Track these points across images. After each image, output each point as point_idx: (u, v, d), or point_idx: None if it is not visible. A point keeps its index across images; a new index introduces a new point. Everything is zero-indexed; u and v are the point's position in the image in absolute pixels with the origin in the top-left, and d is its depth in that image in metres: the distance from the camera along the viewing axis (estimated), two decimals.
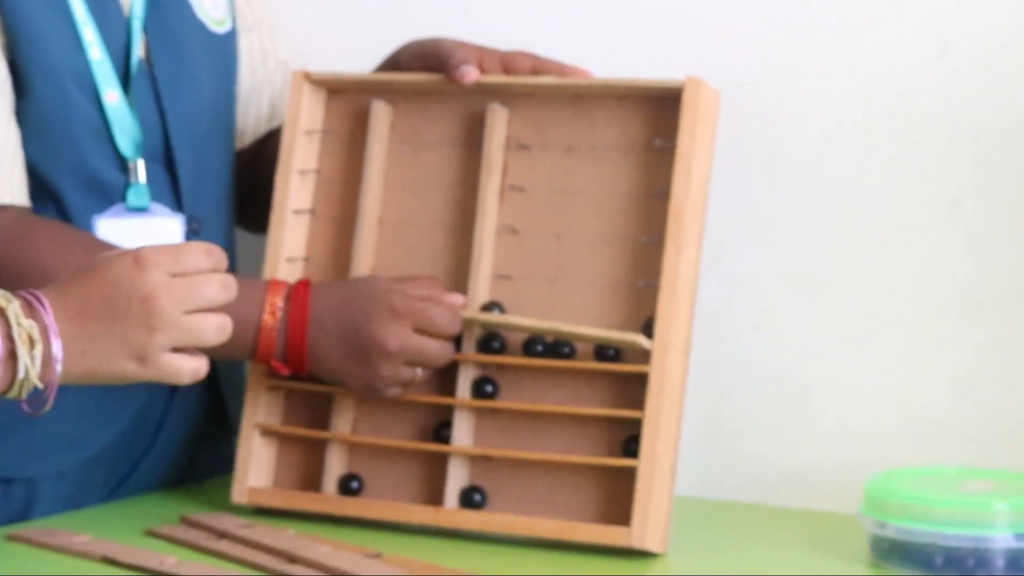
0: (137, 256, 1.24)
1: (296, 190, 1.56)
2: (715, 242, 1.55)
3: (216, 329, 1.26)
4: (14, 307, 1.20)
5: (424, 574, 1.30)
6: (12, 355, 1.20)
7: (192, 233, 1.56)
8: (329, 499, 1.50)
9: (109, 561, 1.35)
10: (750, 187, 1.66)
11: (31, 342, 1.20)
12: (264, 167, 1.64)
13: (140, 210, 1.51)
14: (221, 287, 1.27)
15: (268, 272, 1.54)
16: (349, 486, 1.51)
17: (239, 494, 1.53)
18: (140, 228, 1.52)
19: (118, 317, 1.23)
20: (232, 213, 1.66)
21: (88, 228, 1.50)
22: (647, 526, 1.40)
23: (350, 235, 1.55)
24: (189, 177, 1.57)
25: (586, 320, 1.47)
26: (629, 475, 1.42)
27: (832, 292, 1.64)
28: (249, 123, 1.70)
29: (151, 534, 1.45)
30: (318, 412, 1.54)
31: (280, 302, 1.46)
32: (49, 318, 1.21)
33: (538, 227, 1.51)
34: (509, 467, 1.48)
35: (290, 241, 1.56)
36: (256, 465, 1.53)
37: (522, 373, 1.49)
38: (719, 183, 1.53)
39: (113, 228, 1.51)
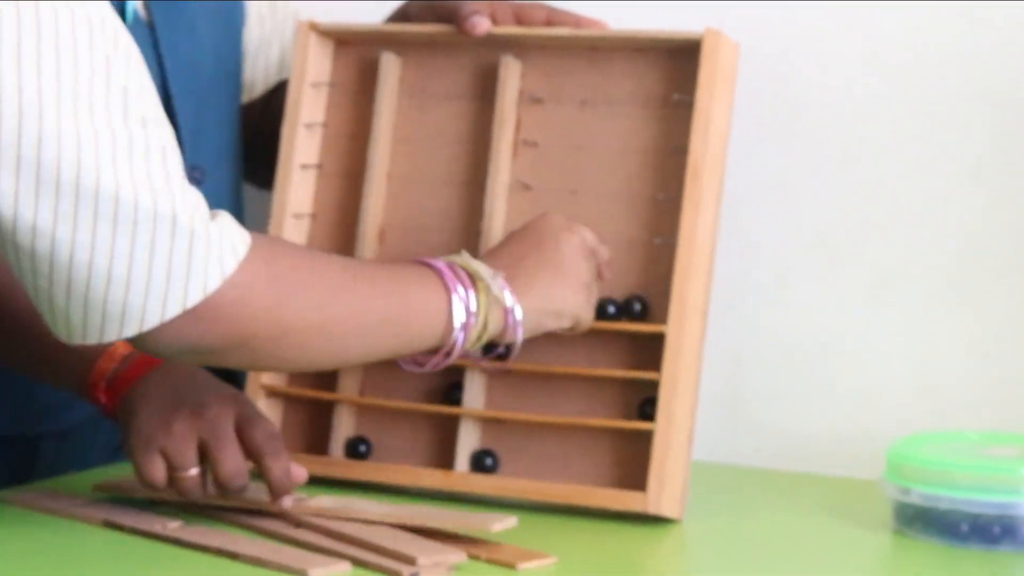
0: (569, 222, 1.41)
1: (303, 144, 1.53)
2: (732, 203, 1.53)
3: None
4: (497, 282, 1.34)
5: (432, 540, 1.28)
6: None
7: (194, 182, 1.53)
8: (336, 462, 1.48)
9: (111, 524, 1.33)
10: (768, 147, 1.64)
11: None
12: (271, 120, 1.61)
13: None
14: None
15: (273, 229, 1.51)
16: (357, 449, 1.49)
17: None
18: None
19: (560, 268, 1.38)
20: (238, 166, 1.62)
21: None
22: (663, 491, 1.37)
23: (358, 190, 1.52)
24: (189, 127, 1.53)
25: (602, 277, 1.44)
26: (645, 439, 1.40)
27: (852, 255, 1.62)
28: (258, 75, 1.67)
29: (154, 498, 1.42)
30: (325, 373, 1.51)
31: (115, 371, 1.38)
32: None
33: (552, 183, 1.48)
34: (521, 430, 1.45)
35: (296, 197, 1.53)
36: None
37: None
38: (737, 143, 1.51)
39: None
